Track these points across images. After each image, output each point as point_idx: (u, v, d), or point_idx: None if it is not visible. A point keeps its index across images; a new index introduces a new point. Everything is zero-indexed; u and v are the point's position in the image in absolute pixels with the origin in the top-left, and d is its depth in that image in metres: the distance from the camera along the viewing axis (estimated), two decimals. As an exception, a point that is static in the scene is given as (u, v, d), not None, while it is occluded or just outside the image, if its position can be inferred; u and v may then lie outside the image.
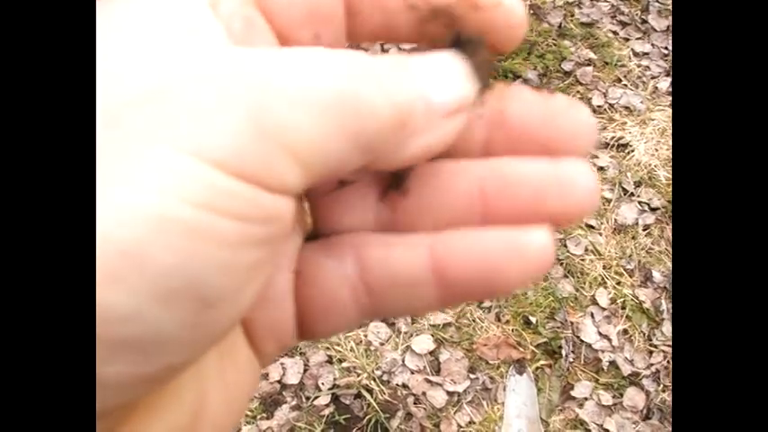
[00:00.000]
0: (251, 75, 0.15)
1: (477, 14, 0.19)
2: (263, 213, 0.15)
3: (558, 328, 1.41)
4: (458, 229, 0.19)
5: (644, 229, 1.53)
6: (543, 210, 0.19)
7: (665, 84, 1.77)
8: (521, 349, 1.38)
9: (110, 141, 0.14)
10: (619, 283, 1.46)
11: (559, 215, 0.19)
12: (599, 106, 1.73)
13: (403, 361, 1.36)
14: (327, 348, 1.36)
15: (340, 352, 1.36)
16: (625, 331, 1.41)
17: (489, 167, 0.20)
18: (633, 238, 1.52)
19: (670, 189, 1.57)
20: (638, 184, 1.59)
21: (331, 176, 0.17)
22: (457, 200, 0.20)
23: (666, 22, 1.89)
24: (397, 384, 1.33)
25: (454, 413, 1.31)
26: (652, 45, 1.85)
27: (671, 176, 1.59)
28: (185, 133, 0.14)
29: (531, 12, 1.89)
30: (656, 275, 1.47)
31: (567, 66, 1.80)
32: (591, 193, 0.19)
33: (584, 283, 1.46)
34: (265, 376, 1.33)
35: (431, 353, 1.37)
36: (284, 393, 1.33)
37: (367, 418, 1.29)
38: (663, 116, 1.70)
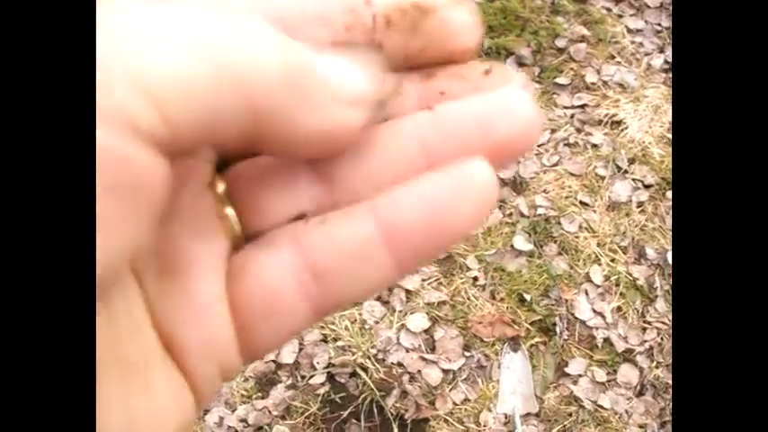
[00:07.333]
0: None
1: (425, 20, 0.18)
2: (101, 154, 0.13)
3: (553, 305, 1.41)
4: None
5: (638, 206, 1.53)
6: (487, 143, 0.18)
7: (658, 61, 1.76)
8: (515, 327, 1.38)
9: None
10: (613, 261, 1.47)
11: (504, 144, 0.18)
12: (592, 83, 1.72)
13: (398, 339, 1.35)
14: (322, 327, 1.36)
15: (335, 331, 1.35)
16: (619, 308, 1.42)
17: (426, 117, 0.18)
18: (627, 215, 1.52)
19: (664, 166, 1.57)
20: (631, 161, 1.59)
21: (210, 137, 0.15)
22: (397, 159, 0.18)
23: (660, -2, 1.87)
24: (392, 363, 1.33)
25: (449, 391, 1.31)
26: (645, 22, 1.84)
27: (664, 153, 1.59)
28: None
29: (525, -13, 1.87)
30: (650, 252, 1.47)
31: (560, 42, 1.78)
32: (532, 117, 0.18)
33: (579, 261, 1.46)
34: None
35: (425, 331, 1.37)
36: (279, 372, 1.32)
37: (362, 396, 1.29)
38: (656, 93, 1.69)
